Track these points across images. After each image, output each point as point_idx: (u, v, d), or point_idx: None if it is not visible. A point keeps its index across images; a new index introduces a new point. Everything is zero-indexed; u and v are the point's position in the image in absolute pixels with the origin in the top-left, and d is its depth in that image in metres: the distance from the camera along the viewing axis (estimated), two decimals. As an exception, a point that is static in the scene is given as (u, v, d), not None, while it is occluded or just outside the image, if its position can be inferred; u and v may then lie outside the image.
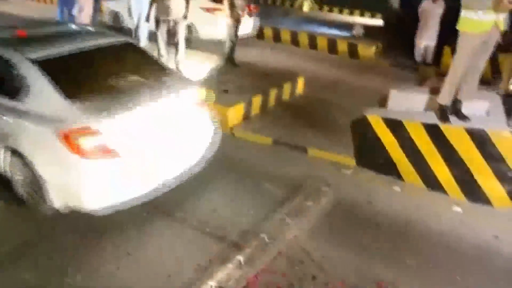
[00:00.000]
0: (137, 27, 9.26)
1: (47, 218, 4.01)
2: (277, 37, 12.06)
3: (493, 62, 8.03)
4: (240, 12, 7.68)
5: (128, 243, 3.83)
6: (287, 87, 7.40)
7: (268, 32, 12.16)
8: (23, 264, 3.54)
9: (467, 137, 4.59)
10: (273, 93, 7.03)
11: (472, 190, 4.72)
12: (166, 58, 7.40)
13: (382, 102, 5.54)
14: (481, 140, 4.54)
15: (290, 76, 7.76)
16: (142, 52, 4.93)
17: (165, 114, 4.15)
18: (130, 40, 5.13)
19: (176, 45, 7.36)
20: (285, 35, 11.94)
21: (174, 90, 4.37)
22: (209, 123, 4.67)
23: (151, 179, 3.99)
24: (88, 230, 3.95)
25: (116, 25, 11.01)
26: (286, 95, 7.39)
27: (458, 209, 4.64)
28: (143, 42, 9.28)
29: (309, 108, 7.00)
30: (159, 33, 7.23)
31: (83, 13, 9.36)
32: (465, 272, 3.72)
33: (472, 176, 4.66)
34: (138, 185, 3.89)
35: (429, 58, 9.98)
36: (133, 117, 3.89)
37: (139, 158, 3.89)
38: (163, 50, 7.34)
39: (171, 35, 7.32)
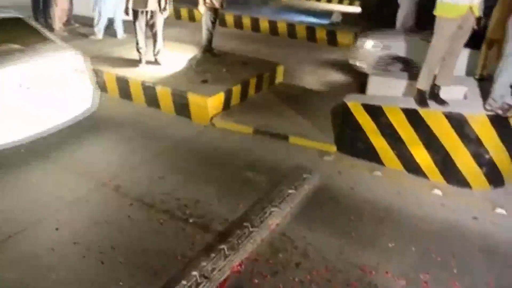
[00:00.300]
0: (113, 21, 9.09)
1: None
2: (255, 27, 12.01)
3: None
4: (214, 1, 7.56)
5: (112, 238, 3.81)
6: (267, 76, 7.38)
7: (246, 21, 12.10)
8: None
9: (446, 121, 4.65)
10: (253, 82, 7.00)
11: (451, 173, 4.80)
12: (145, 50, 7.30)
13: (362, 88, 5.56)
14: (459, 123, 4.61)
15: (270, 65, 7.73)
16: (28, 25, 5.51)
17: (37, 74, 4.90)
18: (20, 16, 5.58)
19: (154, 36, 7.27)
20: (264, 24, 11.90)
21: (49, 55, 5.13)
22: (87, 85, 5.47)
23: (22, 129, 4.74)
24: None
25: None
26: (266, 84, 7.37)
27: (438, 192, 4.71)
28: (120, 35, 9.14)
29: (290, 96, 6.99)
30: (137, 25, 7.11)
31: (58, 8, 9.18)
32: (446, 254, 3.78)
33: (451, 159, 4.73)
34: (9, 133, 4.65)
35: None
36: (4, 75, 4.61)
37: (10, 109, 4.64)
38: (141, 42, 7.22)
39: (149, 26, 7.21)
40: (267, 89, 7.37)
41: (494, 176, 4.75)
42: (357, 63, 7.70)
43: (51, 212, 4.09)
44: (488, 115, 4.58)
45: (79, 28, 9.67)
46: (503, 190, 4.77)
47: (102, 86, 7.06)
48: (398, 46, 7.04)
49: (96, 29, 8.95)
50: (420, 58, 6.41)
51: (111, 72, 6.94)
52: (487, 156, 4.62)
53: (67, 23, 9.70)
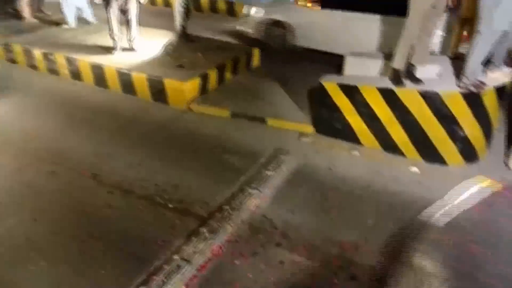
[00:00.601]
0: (80, 8, 8.89)
1: None
2: (230, 11, 11.91)
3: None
4: None
5: (92, 226, 3.78)
6: (243, 60, 7.35)
7: (221, 6, 11.99)
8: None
9: (421, 99, 4.69)
10: (229, 66, 6.97)
11: (427, 151, 4.86)
12: (119, 36, 7.19)
13: (339, 68, 5.58)
14: (434, 101, 4.66)
15: (246, 48, 7.69)
16: None
17: None
18: None
19: (129, 22, 7.15)
20: (240, 9, 11.78)
21: None
22: None
23: None
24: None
25: None
26: (242, 68, 7.34)
27: (415, 169, 4.78)
28: (92, 20, 8.96)
29: (266, 79, 6.98)
30: (110, 12, 6.97)
31: None
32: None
33: (427, 137, 4.79)
34: None
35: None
36: None
37: None
38: (115, 29, 7.10)
39: (123, 12, 7.09)
40: (243, 73, 7.34)
41: (469, 152, 4.83)
42: (244, 29, 8.81)
43: (28, 203, 4.04)
44: (461, 93, 4.64)
45: (52, 16, 9.46)
46: (477, 165, 4.86)
47: (76, 74, 6.97)
48: (277, 11, 8.33)
49: (66, 18, 8.75)
50: (295, 21, 8.07)
51: (86, 60, 6.82)
52: (461, 133, 4.69)
53: (38, 10, 9.48)
